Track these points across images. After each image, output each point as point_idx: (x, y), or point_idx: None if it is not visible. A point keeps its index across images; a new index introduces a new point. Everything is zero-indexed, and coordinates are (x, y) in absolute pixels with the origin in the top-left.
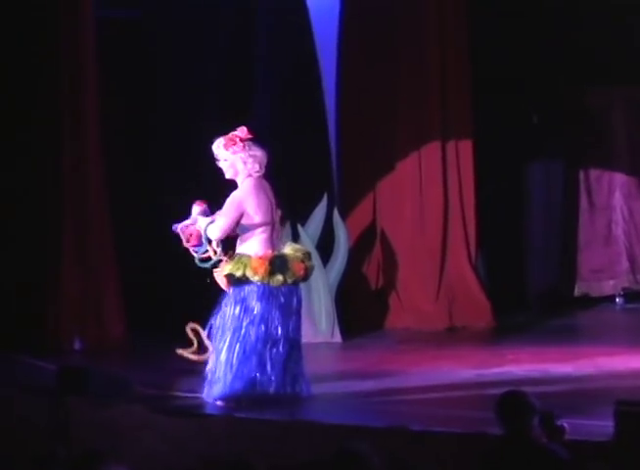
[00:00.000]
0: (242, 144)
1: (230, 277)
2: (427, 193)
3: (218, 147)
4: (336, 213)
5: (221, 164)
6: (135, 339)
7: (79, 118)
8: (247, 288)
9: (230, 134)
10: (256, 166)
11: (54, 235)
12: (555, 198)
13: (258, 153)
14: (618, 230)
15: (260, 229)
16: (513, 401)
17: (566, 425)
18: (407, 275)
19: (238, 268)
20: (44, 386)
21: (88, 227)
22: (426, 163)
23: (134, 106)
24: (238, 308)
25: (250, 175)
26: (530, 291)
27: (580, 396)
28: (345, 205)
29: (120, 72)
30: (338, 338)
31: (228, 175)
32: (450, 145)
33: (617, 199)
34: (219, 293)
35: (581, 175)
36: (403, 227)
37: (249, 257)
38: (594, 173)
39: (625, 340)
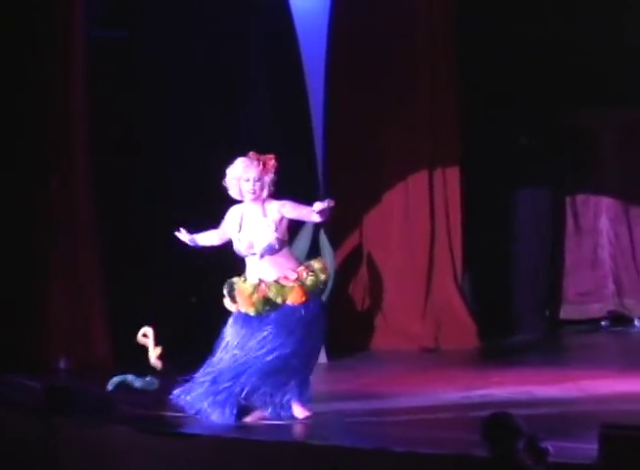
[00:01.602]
0: (274, 167)
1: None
2: (414, 215)
3: (250, 166)
4: (322, 235)
5: (245, 184)
6: (121, 358)
7: (68, 135)
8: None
9: (264, 156)
10: (272, 190)
11: (40, 252)
12: (542, 221)
13: (275, 177)
14: (605, 253)
15: None
16: (499, 424)
17: (550, 448)
18: (393, 296)
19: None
20: (30, 405)
21: (75, 245)
22: (413, 184)
23: (122, 123)
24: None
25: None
26: (517, 313)
27: (565, 418)
28: (332, 226)
29: (108, 91)
30: (323, 358)
31: (251, 196)
32: (438, 170)
33: (604, 222)
34: (206, 310)
35: (568, 199)
36: (390, 249)
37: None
38: (580, 197)
39: (611, 363)
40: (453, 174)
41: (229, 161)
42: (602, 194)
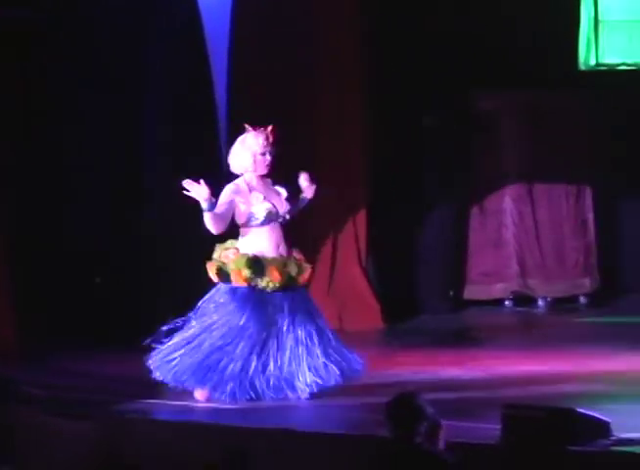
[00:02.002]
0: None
1: None
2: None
3: (265, 140)
4: None
5: (264, 158)
6: (26, 341)
7: None
8: None
9: (270, 130)
10: None
11: None
12: (446, 201)
13: None
14: (509, 234)
15: None
16: (402, 405)
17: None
18: None
19: None
20: None
21: None
22: (318, 165)
23: (21, 110)
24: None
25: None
26: (421, 294)
27: (469, 399)
28: None
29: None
30: None
31: (266, 170)
32: (343, 151)
33: (507, 203)
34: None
35: (471, 179)
36: None
37: None
38: (484, 177)
39: (514, 344)
40: (357, 154)
41: (131, 149)
42: (506, 174)
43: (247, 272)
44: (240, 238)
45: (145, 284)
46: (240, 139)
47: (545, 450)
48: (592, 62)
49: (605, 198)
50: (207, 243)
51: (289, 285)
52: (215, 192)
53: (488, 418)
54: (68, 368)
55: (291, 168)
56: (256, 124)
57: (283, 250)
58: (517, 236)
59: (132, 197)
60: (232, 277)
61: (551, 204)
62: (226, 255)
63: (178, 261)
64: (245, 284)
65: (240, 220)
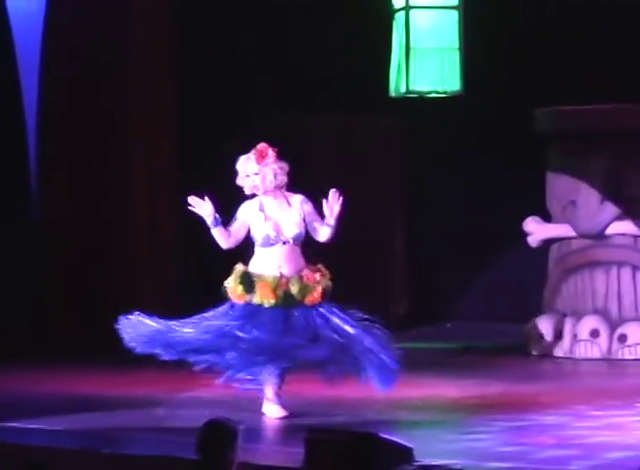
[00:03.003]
0: (273, 156)
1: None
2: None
3: (247, 161)
4: None
5: (247, 180)
6: None
7: None
8: None
9: (258, 148)
10: (285, 178)
11: None
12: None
13: (285, 165)
14: None
15: None
16: (213, 431)
17: None
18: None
19: None
20: None
21: None
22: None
23: None
24: None
25: (280, 187)
26: None
27: (272, 423)
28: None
29: None
30: None
31: (256, 191)
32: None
33: None
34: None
35: None
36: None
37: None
38: None
39: None
40: (170, 177)
41: None
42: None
43: (239, 288)
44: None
45: None
46: None
47: None
48: (403, 89)
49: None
50: None
51: (290, 304)
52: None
53: (292, 442)
54: None
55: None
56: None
57: (287, 270)
58: None
59: None
60: (230, 294)
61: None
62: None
63: None
64: (241, 300)
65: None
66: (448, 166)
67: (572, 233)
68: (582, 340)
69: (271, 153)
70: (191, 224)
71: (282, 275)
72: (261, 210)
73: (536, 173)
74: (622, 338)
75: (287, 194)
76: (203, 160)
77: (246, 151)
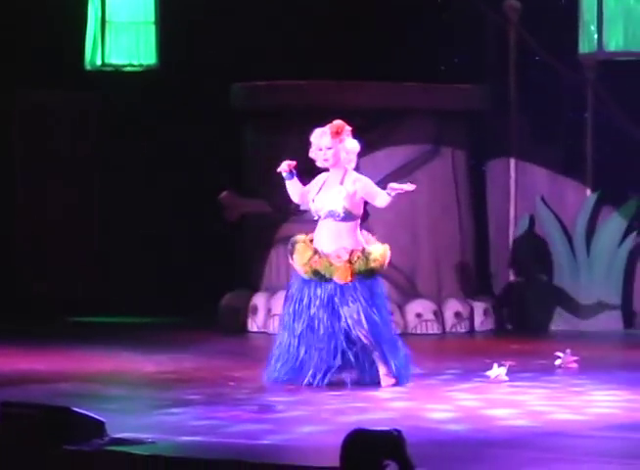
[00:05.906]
0: (348, 134)
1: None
2: None
3: (323, 135)
4: None
5: (320, 153)
6: None
7: None
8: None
9: (335, 124)
10: (354, 158)
11: None
12: None
13: (357, 145)
14: None
15: None
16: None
17: None
18: None
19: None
20: None
21: None
22: None
23: None
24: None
25: (344, 165)
26: None
27: None
28: None
29: None
30: None
31: (326, 163)
32: None
33: None
34: None
35: None
36: None
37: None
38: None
39: (25, 341)
40: None
41: None
42: None
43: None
44: None
45: None
46: None
47: (42, 449)
48: (98, 62)
49: None
50: None
51: (321, 279)
52: None
53: None
54: None
55: None
56: None
57: (324, 245)
58: None
59: None
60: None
61: None
62: None
63: None
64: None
65: None
66: (144, 140)
67: (268, 208)
68: (276, 314)
69: (347, 130)
70: None
71: (316, 251)
72: (320, 184)
73: (235, 148)
74: None
75: (349, 173)
76: None
77: None
